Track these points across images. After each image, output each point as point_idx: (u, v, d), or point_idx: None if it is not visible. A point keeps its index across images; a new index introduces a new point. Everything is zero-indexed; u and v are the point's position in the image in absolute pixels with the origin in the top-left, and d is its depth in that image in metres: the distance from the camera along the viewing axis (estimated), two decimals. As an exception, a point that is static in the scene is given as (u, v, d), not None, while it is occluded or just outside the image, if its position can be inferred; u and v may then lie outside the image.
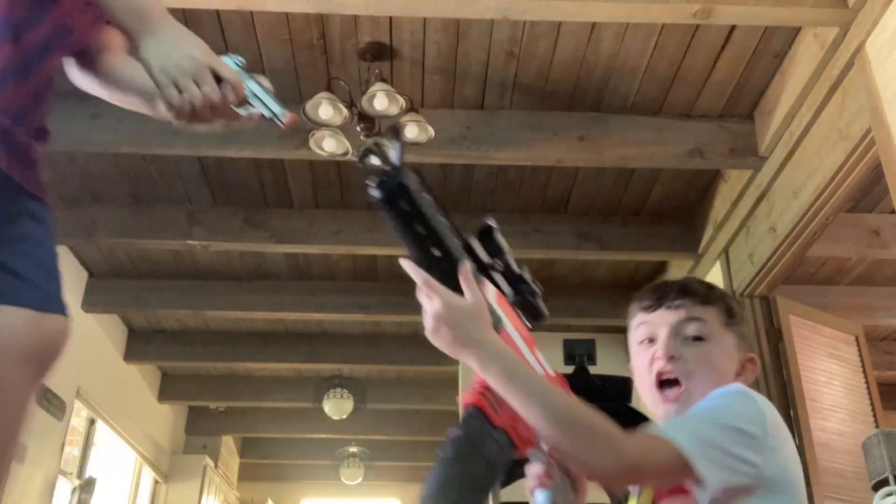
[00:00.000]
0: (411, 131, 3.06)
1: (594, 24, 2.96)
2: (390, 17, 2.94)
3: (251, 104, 1.24)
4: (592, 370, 4.53)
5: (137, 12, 1.19)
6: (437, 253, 1.02)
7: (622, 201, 4.07)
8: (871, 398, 3.72)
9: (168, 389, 6.66)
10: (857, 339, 3.89)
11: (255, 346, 5.76)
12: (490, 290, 1.06)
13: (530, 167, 3.76)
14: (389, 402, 6.81)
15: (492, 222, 1.10)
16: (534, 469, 1.05)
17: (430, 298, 1.01)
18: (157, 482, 6.82)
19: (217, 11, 2.93)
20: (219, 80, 1.21)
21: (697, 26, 2.94)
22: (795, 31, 2.93)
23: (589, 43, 3.05)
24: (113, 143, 3.35)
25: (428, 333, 1.03)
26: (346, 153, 3.20)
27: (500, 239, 1.10)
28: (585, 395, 1.19)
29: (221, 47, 3.10)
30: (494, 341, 1.02)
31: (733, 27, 2.94)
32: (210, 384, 6.67)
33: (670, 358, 1.16)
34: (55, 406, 4.62)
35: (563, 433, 0.98)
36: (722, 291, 1.28)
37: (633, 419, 1.14)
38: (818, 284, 4.70)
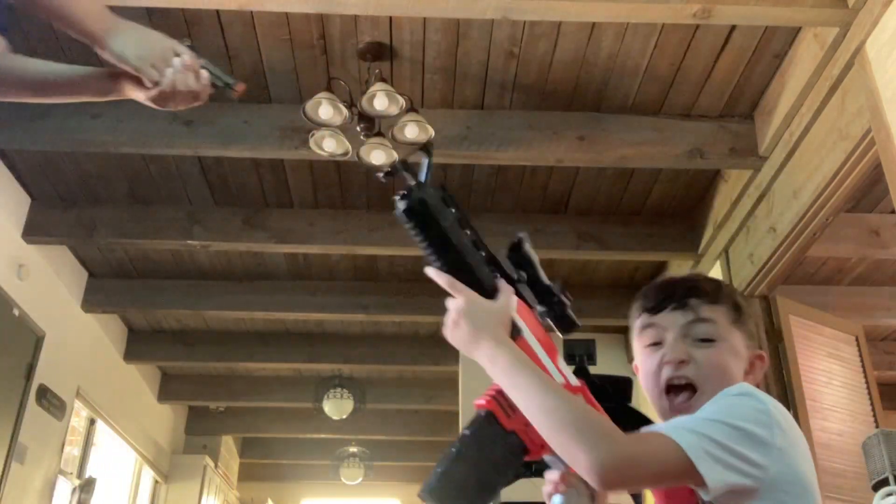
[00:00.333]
0: (411, 131, 3.06)
1: (594, 24, 2.96)
2: (390, 17, 2.94)
3: (212, 82, 1.35)
4: (592, 370, 4.51)
5: (95, 16, 1.35)
6: (460, 265, 1.05)
7: (622, 201, 4.07)
8: (871, 398, 3.72)
9: (168, 389, 6.66)
10: (857, 339, 3.89)
11: (255, 346, 5.76)
12: (513, 300, 1.07)
13: (530, 167, 3.76)
14: (389, 402, 6.81)
15: (522, 235, 1.12)
16: (550, 474, 1.05)
17: (455, 296, 1.04)
18: (157, 482, 6.82)
19: (217, 11, 2.93)
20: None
21: (697, 26, 2.94)
22: (795, 31, 2.93)
23: (589, 43, 3.05)
24: (113, 143, 3.36)
25: (446, 329, 1.05)
26: (346, 153, 3.20)
27: (530, 251, 1.11)
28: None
29: (222, 47, 3.10)
30: (507, 342, 1.03)
31: (733, 27, 2.94)
32: (210, 384, 6.67)
33: (680, 363, 1.13)
34: (55, 406, 4.62)
35: (558, 428, 0.96)
36: (729, 288, 1.24)
37: (633, 419, 1.12)
38: (818, 284, 4.70)
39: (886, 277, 4.66)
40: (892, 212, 3.79)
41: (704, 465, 0.95)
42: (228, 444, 7.98)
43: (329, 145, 3.16)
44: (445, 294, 1.06)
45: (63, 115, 3.35)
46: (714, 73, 3.17)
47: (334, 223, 4.12)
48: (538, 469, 1.06)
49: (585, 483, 1.03)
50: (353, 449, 8.22)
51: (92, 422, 5.45)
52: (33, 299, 4.21)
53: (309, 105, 2.99)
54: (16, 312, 4.08)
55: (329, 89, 3.03)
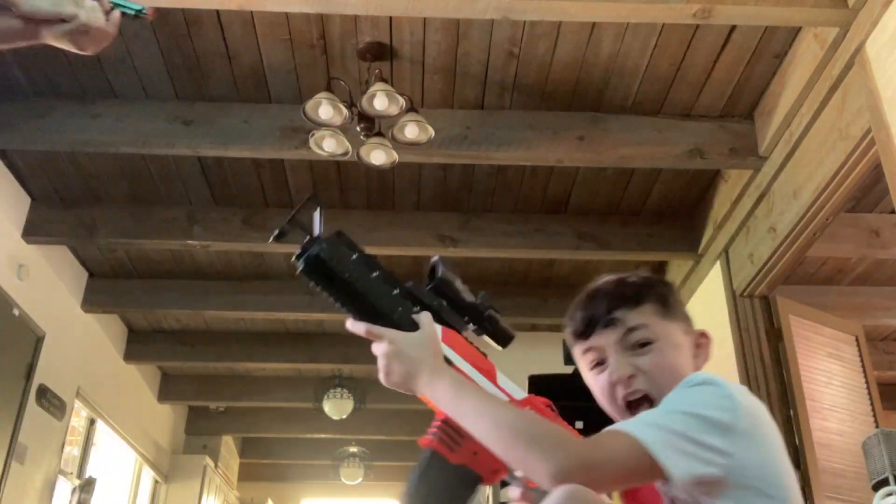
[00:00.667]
0: (411, 131, 3.06)
1: (594, 24, 2.96)
2: (390, 17, 2.94)
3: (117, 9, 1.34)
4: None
5: None
6: (373, 311, 1.05)
7: (622, 201, 4.07)
8: (871, 398, 3.72)
9: (168, 389, 6.66)
10: (857, 339, 3.89)
11: (255, 346, 5.76)
12: (436, 328, 1.06)
13: (530, 167, 3.76)
14: (389, 402, 6.79)
15: (436, 258, 1.11)
16: (511, 493, 1.04)
17: (378, 343, 1.04)
18: (157, 482, 6.82)
19: (217, 11, 2.93)
20: None
21: (697, 26, 2.94)
22: (795, 31, 2.93)
23: (589, 43, 3.05)
24: (113, 143, 3.36)
25: (382, 377, 1.04)
26: (346, 153, 3.20)
27: (447, 273, 1.10)
28: (584, 396, 1.19)
29: (222, 47, 3.11)
30: (443, 369, 1.02)
31: (733, 27, 2.94)
32: (210, 384, 6.67)
33: (629, 378, 1.10)
34: (55, 406, 4.62)
35: (511, 443, 0.95)
36: (650, 280, 1.20)
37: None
38: (818, 284, 4.70)
39: (886, 277, 4.66)
40: (892, 212, 3.79)
41: (667, 458, 0.92)
42: (228, 444, 7.97)
43: (329, 145, 3.16)
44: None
45: (63, 115, 3.35)
46: (714, 73, 3.17)
47: (334, 223, 4.07)
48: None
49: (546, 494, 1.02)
50: (353, 449, 8.22)
51: (92, 422, 5.45)
52: (33, 299, 4.21)
53: (309, 105, 2.99)
54: (16, 312, 4.08)
55: (329, 89, 3.03)
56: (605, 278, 1.21)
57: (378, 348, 1.04)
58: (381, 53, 3.08)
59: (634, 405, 1.10)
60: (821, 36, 2.76)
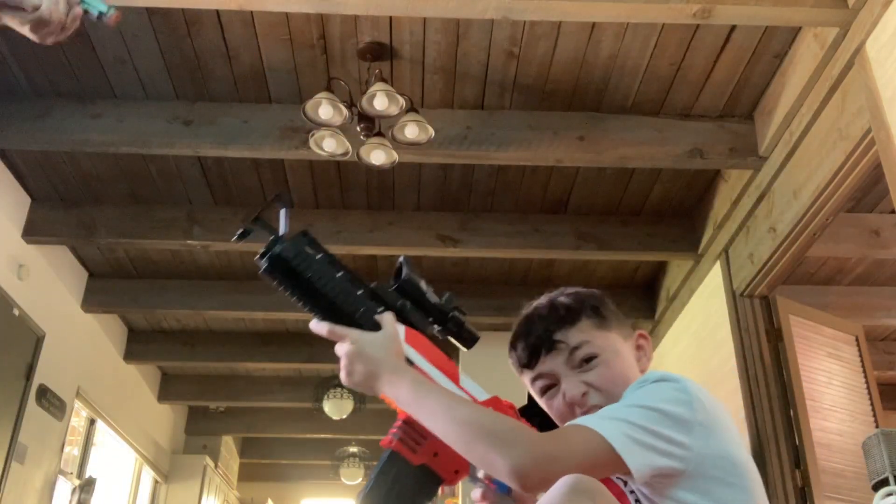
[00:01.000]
0: (411, 131, 3.06)
1: (594, 24, 2.96)
2: (390, 17, 2.94)
3: (84, 9, 1.34)
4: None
5: None
6: (336, 311, 1.05)
7: (622, 201, 4.07)
8: (871, 398, 3.72)
9: (168, 389, 6.66)
10: (857, 339, 3.89)
11: (255, 346, 5.76)
12: (399, 328, 1.07)
13: (530, 167, 3.76)
14: (389, 402, 6.80)
15: (402, 259, 1.11)
16: (473, 494, 1.05)
17: (341, 343, 1.04)
18: (157, 482, 6.82)
19: (217, 11, 2.93)
20: None
21: (697, 26, 2.94)
22: (795, 31, 2.93)
23: (589, 43, 3.05)
24: (113, 143, 3.36)
25: (343, 378, 1.04)
26: (346, 153, 3.20)
27: (412, 274, 1.10)
28: None
29: (222, 47, 3.11)
30: (404, 368, 1.02)
31: (733, 27, 2.94)
32: (210, 384, 6.67)
33: (583, 396, 1.11)
34: (55, 406, 4.62)
35: (471, 439, 0.95)
36: (580, 295, 1.20)
37: None
38: (818, 284, 4.70)
39: (886, 277, 4.66)
40: (892, 212, 3.79)
41: (626, 450, 0.93)
42: (228, 444, 7.98)
43: (329, 145, 3.16)
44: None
45: (63, 115, 3.35)
46: (714, 73, 3.17)
47: (334, 223, 4.12)
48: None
49: (506, 495, 1.02)
50: (353, 449, 8.22)
51: (92, 422, 5.45)
52: (33, 299, 4.22)
53: (309, 105, 2.99)
54: (16, 312, 4.08)
55: (329, 89, 3.03)
56: (536, 302, 1.22)
57: (340, 348, 1.05)
58: (381, 53, 3.08)
59: None
60: (821, 36, 2.76)
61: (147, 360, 5.99)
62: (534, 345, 1.16)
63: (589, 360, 1.13)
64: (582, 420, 0.99)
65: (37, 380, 4.34)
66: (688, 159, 3.37)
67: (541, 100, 3.33)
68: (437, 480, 1.02)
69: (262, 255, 1.03)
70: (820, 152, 2.94)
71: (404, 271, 1.09)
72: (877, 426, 3.54)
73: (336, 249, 4.69)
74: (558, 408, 1.14)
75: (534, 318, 1.19)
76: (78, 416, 5.27)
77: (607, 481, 1.01)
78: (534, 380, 1.17)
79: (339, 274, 1.05)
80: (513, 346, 1.20)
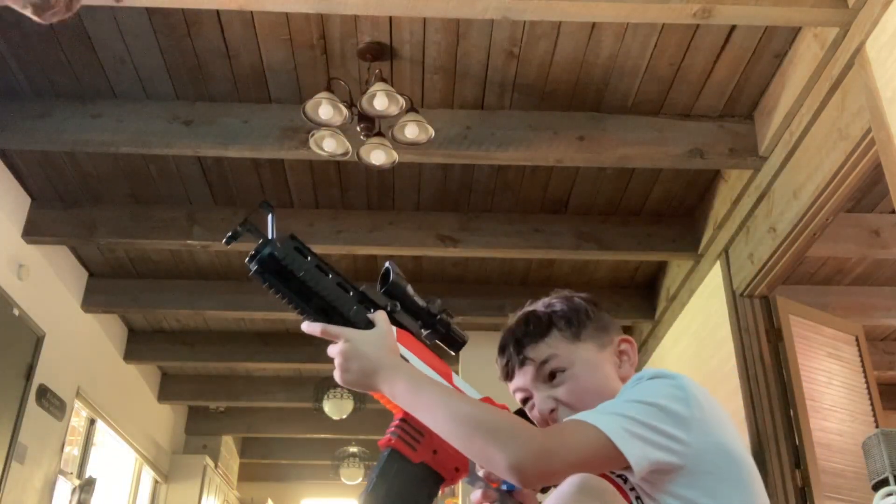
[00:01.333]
0: (411, 131, 3.06)
1: (594, 24, 2.96)
2: (390, 17, 2.94)
3: None
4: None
5: None
6: (328, 310, 1.05)
7: (622, 201, 4.07)
8: (871, 398, 3.72)
9: (168, 389, 6.66)
10: (857, 339, 3.89)
11: (255, 346, 5.76)
12: (391, 326, 1.07)
13: (530, 167, 3.76)
14: (389, 402, 6.80)
15: (389, 264, 1.11)
16: (473, 495, 1.05)
17: (334, 343, 1.04)
18: (157, 482, 6.82)
19: (217, 11, 2.93)
20: None
21: (697, 26, 2.94)
22: (795, 31, 2.93)
23: (589, 43, 3.05)
24: (113, 143, 3.36)
25: (339, 376, 1.04)
26: (346, 153, 3.20)
27: (399, 279, 1.10)
28: None
29: (222, 47, 3.11)
30: (400, 364, 1.02)
31: (733, 27, 2.94)
32: (210, 384, 6.67)
33: (551, 412, 1.12)
34: (55, 406, 4.62)
35: (469, 434, 0.95)
36: (553, 306, 1.20)
37: None
38: (818, 284, 4.70)
39: (886, 277, 4.66)
40: (892, 212, 3.79)
41: (625, 444, 0.93)
42: (228, 444, 7.97)
43: (329, 145, 3.16)
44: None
45: (63, 115, 3.35)
46: (714, 73, 3.17)
47: (334, 223, 4.12)
48: None
49: (509, 495, 1.02)
50: (353, 449, 8.22)
51: (92, 422, 5.45)
52: (33, 299, 4.22)
53: (309, 105, 2.99)
54: (16, 312, 4.08)
55: (329, 89, 3.02)
56: (516, 315, 1.23)
57: (334, 348, 1.04)
58: (381, 53, 3.08)
59: None
60: (821, 36, 2.76)
61: (147, 360, 5.99)
62: (507, 361, 1.18)
63: (555, 374, 1.13)
64: (580, 415, 1.00)
65: (37, 380, 4.34)
66: (688, 159, 3.37)
67: (541, 100, 3.33)
68: (437, 479, 1.02)
69: (253, 257, 1.04)
70: (820, 152, 2.94)
71: (391, 276, 1.09)
72: (877, 426, 3.54)
73: (336, 249, 4.72)
74: (536, 420, 1.15)
75: (508, 335, 1.20)
76: (78, 416, 5.27)
77: (606, 478, 1.01)
78: (514, 392, 1.19)
79: (329, 276, 1.06)
80: (496, 360, 1.22)
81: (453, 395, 1.00)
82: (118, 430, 5.75)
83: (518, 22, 2.92)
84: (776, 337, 3.60)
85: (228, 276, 4.85)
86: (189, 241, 4.07)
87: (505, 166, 3.76)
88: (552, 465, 0.93)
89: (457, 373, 1.10)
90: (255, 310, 4.93)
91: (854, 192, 3.00)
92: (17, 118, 3.33)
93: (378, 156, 3.17)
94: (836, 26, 2.64)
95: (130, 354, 5.74)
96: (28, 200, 4.07)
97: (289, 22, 2.98)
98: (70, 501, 5.09)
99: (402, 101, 2.99)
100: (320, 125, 3.07)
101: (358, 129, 3.14)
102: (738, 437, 1.04)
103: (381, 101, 2.94)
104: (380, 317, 1.06)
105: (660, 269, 4.76)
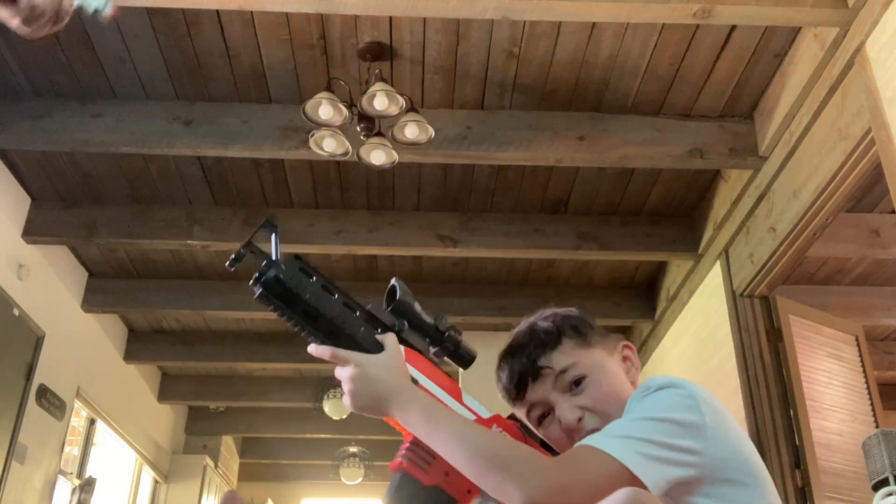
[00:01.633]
0: (411, 131, 3.06)
1: (594, 24, 2.96)
2: (390, 17, 2.94)
3: (79, 4, 1.34)
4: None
5: None
6: (336, 332, 1.03)
7: (622, 201, 4.07)
8: (871, 398, 3.72)
9: (168, 389, 6.66)
10: (857, 339, 3.89)
11: (255, 346, 5.76)
12: (400, 347, 1.06)
13: (530, 167, 3.76)
14: (389, 402, 6.79)
15: (395, 282, 1.10)
16: None
17: (344, 366, 1.02)
18: (157, 482, 6.82)
19: (217, 11, 2.93)
20: None
21: (697, 26, 2.94)
22: (795, 31, 2.93)
23: (589, 43, 3.05)
24: (113, 143, 3.36)
25: (349, 402, 1.02)
26: (346, 153, 3.20)
27: (406, 296, 1.09)
28: None
29: (222, 47, 3.11)
30: (412, 390, 1.01)
31: (733, 27, 2.94)
32: (210, 384, 6.67)
33: (579, 421, 1.09)
34: (55, 406, 4.62)
35: (485, 469, 0.94)
36: (559, 317, 1.18)
37: None
38: (818, 284, 4.70)
39: (886, 277, 4.66)
40: (892, 212, 3.79)
41: (641, 469, 0.92)
42: (228, 444, 7.97)
43: (329, 145, 3.16)
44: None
45: (63, 115, 3.35)
46: (714, 73, 3.17)
47: (334, 223, 4.12)
48: None
49: None
50: (353, 449, 8.22)
51: (92, 422, 5.45)
52: (33, 299, 4.22)
53: (309, 105, 2.99)
54: (16, 312, 4.08)
55: (329, 89, 3.03)
56: (517, 330, 1.20)
57: (343, 372, 1.02)
58: (381, 53, 3.08)
59: None
60: (821, 36, 2.76)
61: (147, 360, 5.98)
62: (519, 374, 1.14)
63: (578, 382, 1.11)
64: (591, 440, 0.98)
65: (37, 380, 4.34)
66: (688, 159, 3.37)
67: (541, 100, 3.33)
68: (450, 501, 1.01)
69: (257, 280, 1.02)
70: (820, 152, 2.94)
71: (398, 293, 1.08)
72: (877, 426, 3.54)
73: (336, 249, 4.73)
74: (558, 436, 1.12)
75: (516, 349, 1.17)
76: (78, 416, 5.27)
77: None
78: (528, 411, 1.15)
79: (335, 297, 1.04)
80: (499, 378, 1.18)
81: (466, 427, 0.98)
82: (118, 430, 5.75)
83: (518, 22, 2.92)
84: (776, 337, 3.60)
85: (228, 276, 4.84)
86: (189, 241, 4.07)
87: (505, 166, 3.76)
88: (569, 498, 0.92)
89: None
90: (255, 310, 4.92)
91: (854, 192, 3.00)
92: (17, 118, 3.33)
93: (378, 156, 3.17)
94: (836, 26, 2.64)
95: (130, 354, 5.74)
96: (28, 200, 4.07)
97: (289, 22, 2.98)
98: (70, 501, 5.09)
99: (402, 101, 2.99)
100: (320, 125, 3.07)
101: (358, 129, 3.14)
102: (748, 440, 1.04)
103: (381, 101, 2.94)
104: (389, 339, 1.05)
105: (660, 269, 4.76)
